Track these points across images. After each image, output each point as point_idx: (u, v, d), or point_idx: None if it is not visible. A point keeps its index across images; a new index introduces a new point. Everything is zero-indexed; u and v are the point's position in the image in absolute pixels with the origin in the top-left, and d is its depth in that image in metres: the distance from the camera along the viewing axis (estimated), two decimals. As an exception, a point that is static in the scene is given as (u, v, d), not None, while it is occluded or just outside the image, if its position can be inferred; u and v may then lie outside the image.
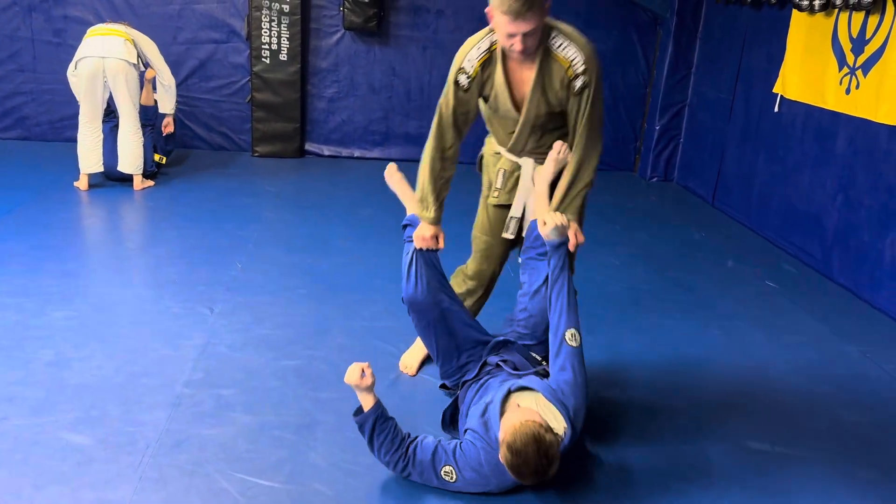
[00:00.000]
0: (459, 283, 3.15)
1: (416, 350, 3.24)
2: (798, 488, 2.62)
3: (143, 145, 5.64)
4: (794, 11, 5.10)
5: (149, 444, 2.60)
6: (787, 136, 5.24)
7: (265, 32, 6.65)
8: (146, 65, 5.61)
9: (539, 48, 2.54)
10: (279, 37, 6.68)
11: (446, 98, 2.75)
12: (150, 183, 5.78)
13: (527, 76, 2.62)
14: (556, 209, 2.73)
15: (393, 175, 3.11)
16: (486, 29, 2.64)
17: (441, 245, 2.83)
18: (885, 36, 4.19)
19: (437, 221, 2.81)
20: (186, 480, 2.43)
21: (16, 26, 6.65)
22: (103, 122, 5.54)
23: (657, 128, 6.93)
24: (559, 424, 2.36)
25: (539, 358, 2.75)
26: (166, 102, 5.75)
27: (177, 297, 3.82)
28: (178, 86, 5.98)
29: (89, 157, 5.48)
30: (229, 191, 5.80)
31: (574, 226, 2.69)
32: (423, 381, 3.16)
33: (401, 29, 6.93)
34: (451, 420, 2.74)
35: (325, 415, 2.85)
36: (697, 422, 3.00)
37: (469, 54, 2.65)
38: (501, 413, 2.38)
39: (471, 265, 3.14)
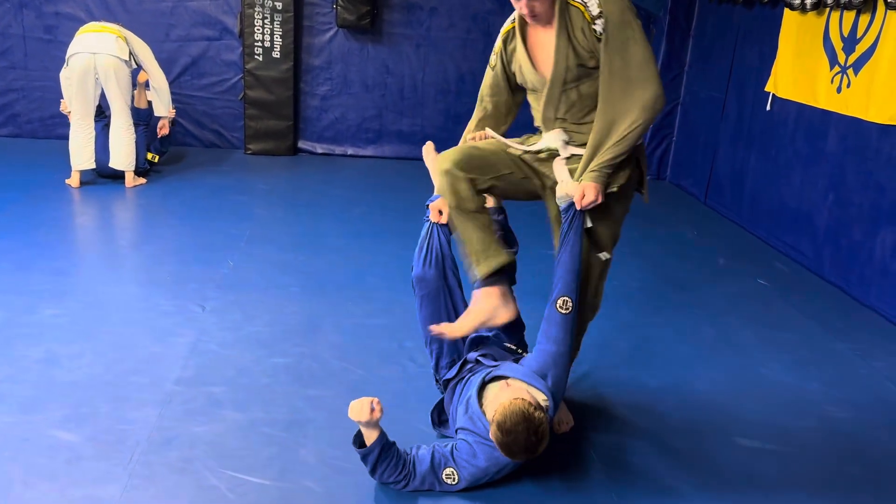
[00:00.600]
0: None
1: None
2: (787, 485, 2.63)
3: (136, 142, 5.62)
4: (787, 10, 5.11)
5: (138, 442, 2.60)
6: (778, 134, 5.26)
7: (258, 30, 6.64)
8: (138, 65, 5.59)
9: (555, 5, 2.44)
10: (272, 34, 6.66)
11: (483, 82, 2.75)
12: (142, 180, 5.76)
13: (548, 40, 2.50)
14: (579, 177, 2.51)
15: (430, 153, 3.00)
16: None
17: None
18: (875, 35, 4.21)
19: None
20: (176, 478, 2.43)
21: (7, 23, 6.62)
22: (95, 120, 5.52)
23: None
24: (540, 400, 2.36)
25: (514, 347, 2.75)
26: (160, 105, 5.73)
27: (168, 295, 3.81)
28: (170, 83, 5.96)
29: (81, 154, 5.47)
30: (221, 188, 5.79)
31: (583, 185, 2.45)
32: (416, 379, 3.16)
33: (394, 27, 6.92)
34: (439, 421, 2.74)
35: (316, 412, 2.85)
36: (687, 419, 3.00)
37: (500, 36, 2.65)
38: (480, 404, 2.40)
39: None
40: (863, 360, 3.61)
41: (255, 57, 6.70)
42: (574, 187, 2.48)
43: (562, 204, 2.53)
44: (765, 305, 4.23)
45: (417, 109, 7.10)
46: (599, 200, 2.47)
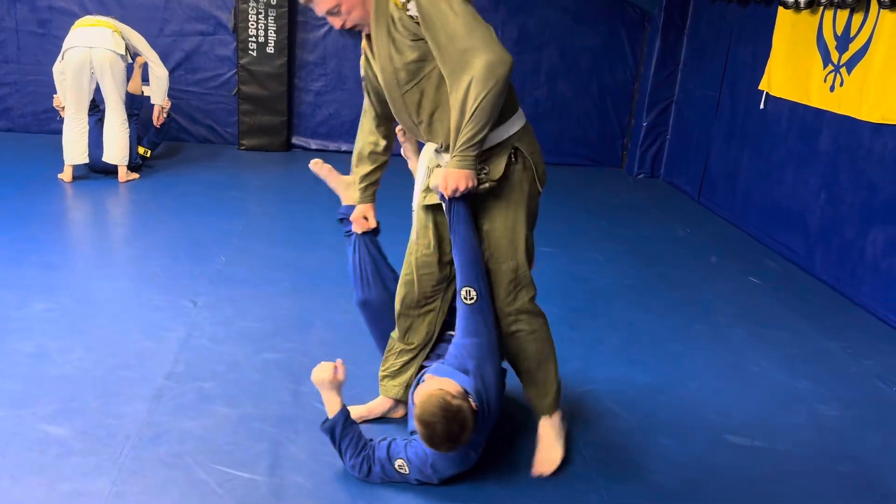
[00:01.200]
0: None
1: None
2: (777, 483, 2.64)
3: (129, 136, 5.61)
4: (781, 9, 5.12)
5: (128, 437, 2.59)
6: (772, 133, 5.27)
7: (252, 25, 6.62)
8: (134, 57, 5.58)
9: (368, 7, 2.28)
10: (266, 29, 6.65)
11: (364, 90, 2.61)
12: (135, 175, 5.75)
13: (378, 43, 2.32)
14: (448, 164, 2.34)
15: (322, 167, 2.90)
16: None
17: (373, 224, 2.72)
18: (868, 34, 4.22)
19: (363, 200, 2.71)
20: (165, 472, 2.43)
21: (0, 17, 6.59)
22: (89, 114, 5.50)
23: (644, 124, 6.95)
24: (459, 391, 2.32)
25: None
26: (157, 93, 5.71)
27: (159, 290, 3.80)
28: (164, 78, 5.95)
29: (74, 149, 5.45)
30: (215, 184, 5.78)
31: (445, 172, 2.26)
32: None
33: (389, 23, 6.89)
34: None
35: (306, 408, 2.84)
36: (678, 416, 3.01)
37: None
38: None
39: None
40: (853, 359, 3.62)
41: (250, 52, 6.68)
42: (438, 175, 2.29)
43: (438, 196, 2.37)
44: (756, 303, 4.24)
45: (412, 106, 7.09)
46: (470, 185, 2.25)
